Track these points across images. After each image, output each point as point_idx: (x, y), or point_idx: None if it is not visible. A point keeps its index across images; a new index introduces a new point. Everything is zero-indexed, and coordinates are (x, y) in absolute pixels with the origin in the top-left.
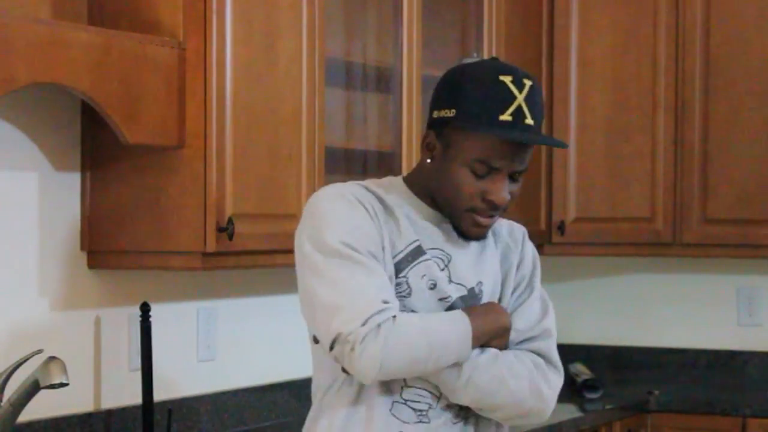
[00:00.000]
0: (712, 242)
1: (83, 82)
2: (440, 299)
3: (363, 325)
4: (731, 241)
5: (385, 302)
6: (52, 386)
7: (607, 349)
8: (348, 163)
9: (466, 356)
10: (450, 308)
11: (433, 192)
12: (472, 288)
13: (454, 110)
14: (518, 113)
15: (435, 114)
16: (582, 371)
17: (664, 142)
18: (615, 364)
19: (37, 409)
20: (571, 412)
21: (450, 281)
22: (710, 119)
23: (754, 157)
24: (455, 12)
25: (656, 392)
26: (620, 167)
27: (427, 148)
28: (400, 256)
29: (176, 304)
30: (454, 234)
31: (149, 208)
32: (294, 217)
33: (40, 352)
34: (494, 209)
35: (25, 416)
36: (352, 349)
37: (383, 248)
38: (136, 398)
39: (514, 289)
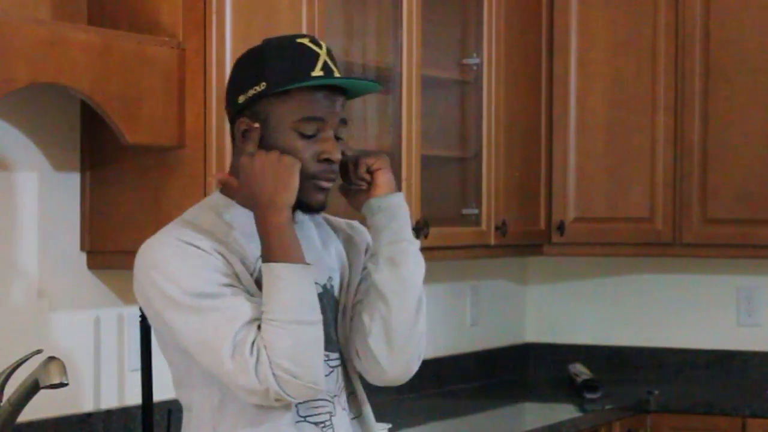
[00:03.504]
0: (712, 242)
1: (83, 82)
2: None
3: (233, 356)
4: (731, 241)
5: (247, 322)
6: (52, 386)
7: (607, 349)
8: None
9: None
10: None
11: None
12: (325, 284)
13: (263, 83)
14: (327, 68)
15: (241, 99)
16: (582, 371)
17: (663, 142)
18: (615, 364)
19: (37, 409)
20: (570, 412)
21: None
22: (710, 119)
23: (754, 157)
24: (455, 12)
25: (656, 392)
26: (620, 167)
27: (243, 137)
28: (256, 273)
29: None
30: (298, 229)
31: (149, 208)
32: None
33: (39, 352)
34: (328, 169)
35: (25, 416)
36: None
37: (236, 272)
38: (135, 398)
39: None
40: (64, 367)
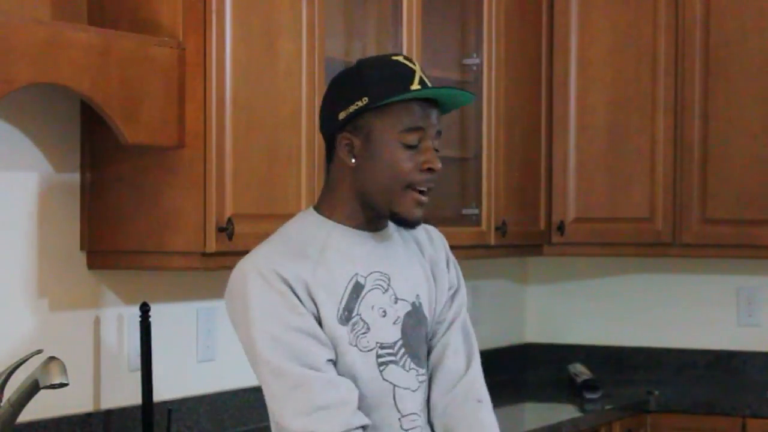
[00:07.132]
0: (712, 242)
1: (83, 82)
2: (393, 323)
3: None
4: (731, 241)
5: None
6: (52, 386)
7: (607, 349)
8: None
9: None
10: (402, 327)
11: (364, 192)
12: (413, 302)
13: (365, 98)
14: (423, 82)
15: (342, 115)
16: (582, 371)
17: (663, 142)
18: (615, 364)
19: (37, 409)
20: (570, 412)
21: (396, 300)
22: (710, 119)
23: (754, 157)
24: (455, 12)
25: (656, 392)
26: (620, 167)
27: (346, 149)
28: (345, 298)
29: (176, 304)
30: (389, 246)
31: (149, 208)
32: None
33: (39, 352)
34: (431, 178)
35: (25, 416)
36: None
37: (318, 314)
38: (135, 398)
39: (448, 290)
40: (64, 367)
